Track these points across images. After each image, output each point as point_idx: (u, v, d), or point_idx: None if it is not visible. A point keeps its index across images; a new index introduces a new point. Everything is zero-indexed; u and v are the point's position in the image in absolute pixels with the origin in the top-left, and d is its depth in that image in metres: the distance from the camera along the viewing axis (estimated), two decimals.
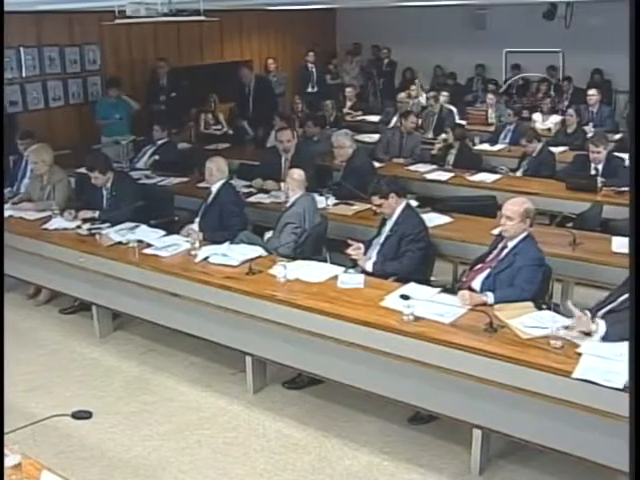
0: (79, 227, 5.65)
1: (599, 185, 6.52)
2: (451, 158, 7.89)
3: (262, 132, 9.45)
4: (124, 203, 5.86)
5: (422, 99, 10.98)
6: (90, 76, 9.92)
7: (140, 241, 5.22)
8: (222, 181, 5.76)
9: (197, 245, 5.04)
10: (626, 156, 7.36)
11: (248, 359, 4.66)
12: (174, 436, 4.28)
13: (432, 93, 10.55)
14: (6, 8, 4.89)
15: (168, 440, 4.25)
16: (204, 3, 5.68)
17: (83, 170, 6.40)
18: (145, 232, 5.45)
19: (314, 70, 12.52)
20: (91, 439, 4.23)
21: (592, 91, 9.84)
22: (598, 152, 6.80)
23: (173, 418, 4.47)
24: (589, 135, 8.25)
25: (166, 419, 4.46)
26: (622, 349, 3.49)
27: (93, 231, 5.52)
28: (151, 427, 4.38)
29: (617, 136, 8.67)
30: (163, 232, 5.45)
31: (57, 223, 5.79)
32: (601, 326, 3.66)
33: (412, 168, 7.68)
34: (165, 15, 5.57)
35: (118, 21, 5.70)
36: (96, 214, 5.87)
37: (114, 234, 5.41)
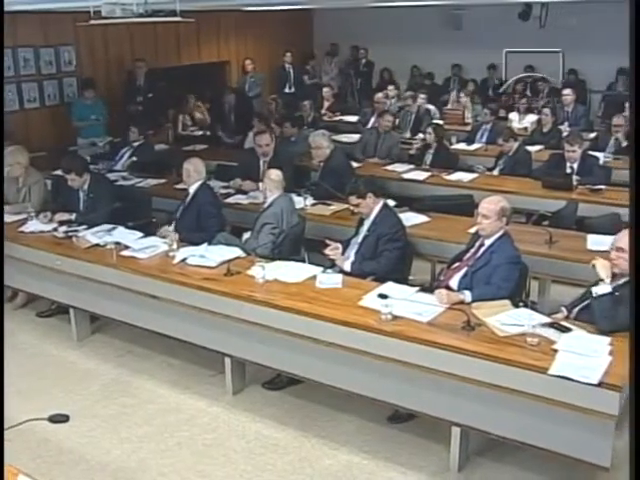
0: (55, 230, 5.61)
1: (574, 183, 6.60)
2: (428, 158, 7.93)
3: (238, 139, 9.46)
4: (101, 205, 5.83)
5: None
6: (66, 77, 9.83)
7: (117, 243, 5.18)
8: (200, 182, 5.75)
9: (175, 246, 5.02)
10: (601, 155, 7.48)
11: (227, 360, 4.65)
12: (153, 438, 4.26)
13: (409, 93, 10.59)
14: None
15: (147, 442, 4.23)
16: (180, 4, 5.65)
17: (59, 172, 6.35)
18: (122, 234, 5.42)
19: (291, 71, 12.54)
20: (69, 443, 4.20)
21: (567, 91, 9.96)
22: (573, 151, 6.88)
23: (152, 420, 4.45)
24: (564, 134, 8.34)
25: (145, 421, 4.44)
26: (597, 345, 3.55)
27: (70, 233, 5.48)
28: (130, 430, 4.35)
29: (592, 135, 8.78)
30: (141, 234, 5.42)
31: (33, 226, 5.73)
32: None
33: (389, 168, 7.72)
34: (141, 16, 5.53)
35: (93, 22, 5.66)
36: (73, 216, 5.83)
37: (91, 236, 5.38)
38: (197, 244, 5.12)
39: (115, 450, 4.15)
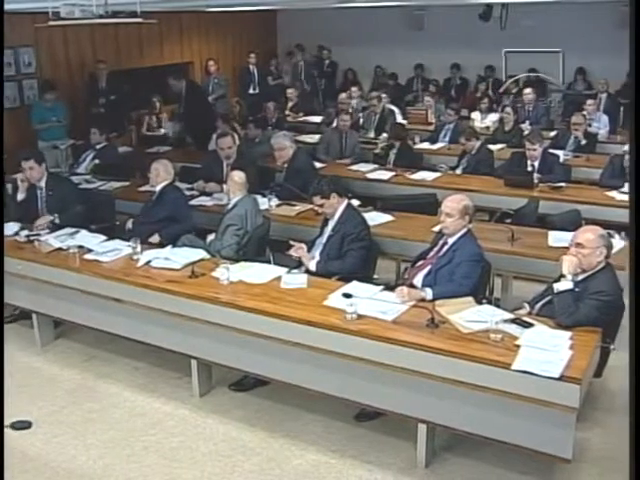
0: (17, 234, 5.51)
1: (535, 181, 6.71)
2: (392, 157, 7.98)
3: (198, 136, 9.38)
4: (67, 205, 5.79)
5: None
6: (26, 79, 9.69)
7: (80, 247, 5.13)
8: (167, 182, 5.78)
9: (139, 249, 4.98)
10: (561, 153, 7.61)
11: (193, 363, 4.63)
12: (119, 443, 4.22)
13: (375, 93, 10.64)
14: None
15: (113, 447, 4.18)
16: (141, 5, 5.62)
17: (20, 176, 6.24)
18: (85, 237, 5.36)
19: (255, 71, 12.50)
20: (34, 450, 4.14)
21: (528, 90, 10.13)
22: (534, 149, 6.99)
23: (118, 425, 4.41)
24: (525, 133, 8.46)
25: (111, 426, 4.39)
26: (558, 340, 3.62)
27: (31, 238, 5.40)
28: (96, 435, 4.31)
29: (552, 133, 8.93)
30: (104, 237, 5.37)
31: None
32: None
33: (354, 168, 7.76)
34: (101, 17, 5.49)
35: (52, 23, 5.59)
36: (56, 219, 5.75)
37: (53, 240, 5.31)
38: (174, 237, 5.24)
39: (81, 456, 4.11)
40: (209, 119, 9.11)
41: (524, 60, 11.70)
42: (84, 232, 5.47)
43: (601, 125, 9.25)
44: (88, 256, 5.04)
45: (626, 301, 4.00)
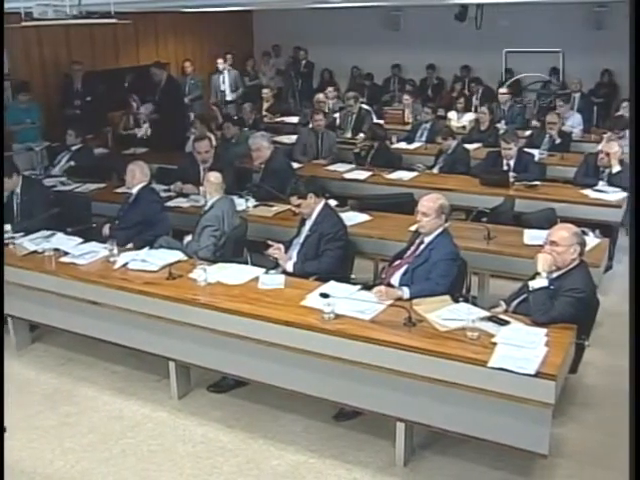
0: None
1: (511, 180, 6.76)
2: (370, 157, 8.00)
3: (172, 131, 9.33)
4: (37, 210, 5.73)
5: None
6: None
7: (56, 249, 5.08)
8: (143, 183, 5.75)
9: (115, 251, 4.95)
10: (536, 151, 7.68)
11: (171, 365, 4.61)
12: (98, 447, 4.19)
13: (352, 93, 10.65)
14: None
15: (91, 451, 4.15)
16: (115, 5, 5.58)
17: None
18: (61, 240, 5.32)
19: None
20: (10, 456, 4.06)
21: (503, 90, 10.20)
22: (509, 148, 7.05)
23: (96, 429, 4.38)
24: (501, 132, 8.53)
25: (89, 430, 4.36)
26: (534, 337, 3.65)
27: (6, 241, 5.35)
28: (73, 439, 4.28)
29: (527, 133, 9.01)
30: (80, 240, 5.33)
31: None
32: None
33: (331, 168, 7.77)
34: (75, 17, 5.46)
35: (25, 23, 5.55)
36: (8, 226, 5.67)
37: (28, 243, 5.26)
38: (150, 242, 5.20)
39: (58, 461, 4.08)
40: (183, 111, 9.03)
41: (501, 60, 11.80)
42: (60, 235, 5.42)
43: (575, 124, 9.35)
44: (64, 259, 5.00)
45: (600, 298, 4.07)
